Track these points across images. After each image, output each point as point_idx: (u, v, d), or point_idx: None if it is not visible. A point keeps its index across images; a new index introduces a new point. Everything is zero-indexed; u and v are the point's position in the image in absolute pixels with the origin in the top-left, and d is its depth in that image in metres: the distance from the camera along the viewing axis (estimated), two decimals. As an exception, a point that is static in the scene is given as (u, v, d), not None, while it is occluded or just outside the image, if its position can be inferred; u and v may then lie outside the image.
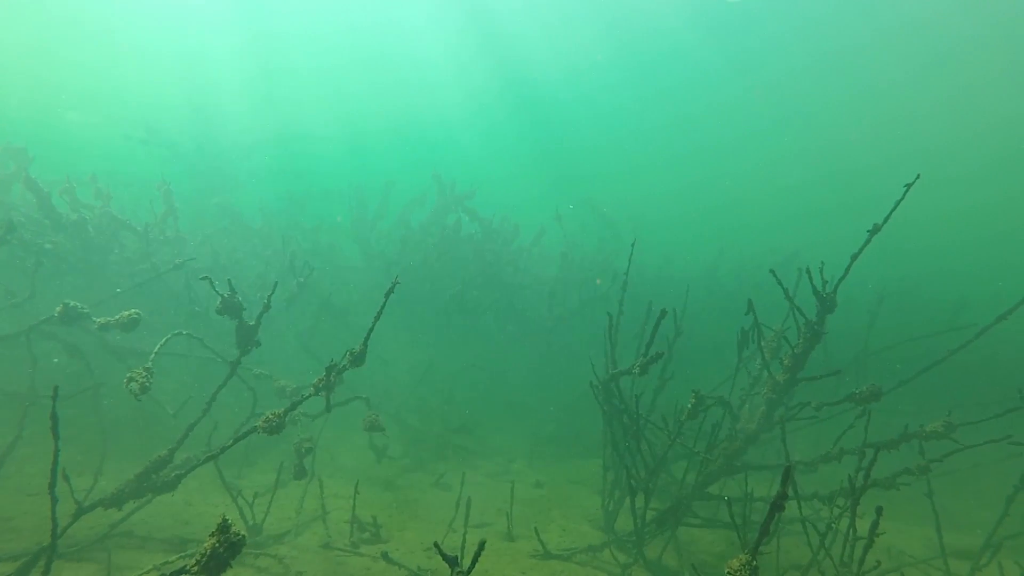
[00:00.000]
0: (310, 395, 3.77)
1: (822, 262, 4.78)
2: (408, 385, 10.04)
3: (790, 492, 4.63)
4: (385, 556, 4.66)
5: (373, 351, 10.93)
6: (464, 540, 4.65)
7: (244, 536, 2.31)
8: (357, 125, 40.15)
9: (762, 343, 5.39)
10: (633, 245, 6.21)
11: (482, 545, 2.33)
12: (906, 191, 4.15)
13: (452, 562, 2.32)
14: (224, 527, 2.24)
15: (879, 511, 2.99)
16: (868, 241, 4.38)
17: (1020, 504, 4.47)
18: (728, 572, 1.99)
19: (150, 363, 3.84)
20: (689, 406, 4.58)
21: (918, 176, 4.17)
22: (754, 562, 1.99)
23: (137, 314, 4.32)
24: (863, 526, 3.44)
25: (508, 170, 44.75)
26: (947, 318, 10.90)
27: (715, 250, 14.45)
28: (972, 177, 35.81)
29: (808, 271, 4.55)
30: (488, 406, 10.38)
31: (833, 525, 3.94)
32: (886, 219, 4.27)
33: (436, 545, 2.34)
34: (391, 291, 3.59)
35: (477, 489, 7.07)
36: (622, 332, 5.92)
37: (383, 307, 3.66)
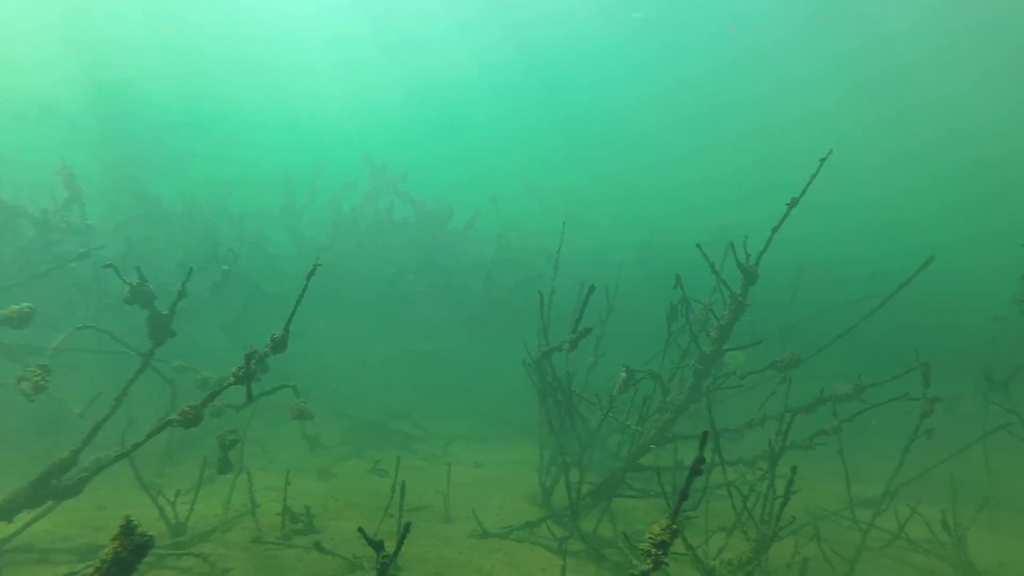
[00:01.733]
0: (229, 384, 3.60)
1: (746, 236, 4.93)
2: (343, 372, 9.84)
3: (718, 458, 4.80)
4: (318, 546, 4.55)
5: (306, 339, 10.62)
6: (399, 525, 4.60)
7: (152, 537, 2.17)
8: (295, 108, 38.66)
9: (690, 317, 5.53)
10: (564, 224, 6.24)
11: (407, 527, 2.29)
12: (820, 165, 4.31)
13: (377, 547, 2.27)
14: (128, 528, 2.10)
15: (794, 470, 3.12)
16: (786, 215, 4.54)
17: (914, 455, 4.79)
18: (649, 537, 2.02)
19: (47, 361, 3.57)
20: (620, 380, 4.66)
21: (831, 151, 4.33)
22: (674, 525, 2.03)
23: (29, 308, 3.99)
24: (782, 486, 3.59)
25: (445, 153, 44.31)
26: (862, 290, 11.53)
27: (649, 230, 14.80)
28: (887, 163, 37.91)
29: (732, 245, 4.68)
30: (427, 391, 10.31)
31: (755, 487, 4.11)
32: (802, 193, 4.43)
33: (360, 530, 2.28)
34: (312, 274, 3.46)
35: (416, 473, 7.02)
36: (558, 311, 5.96)
37: (304, 290, 3.53)
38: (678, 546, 4.28)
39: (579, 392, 5.37)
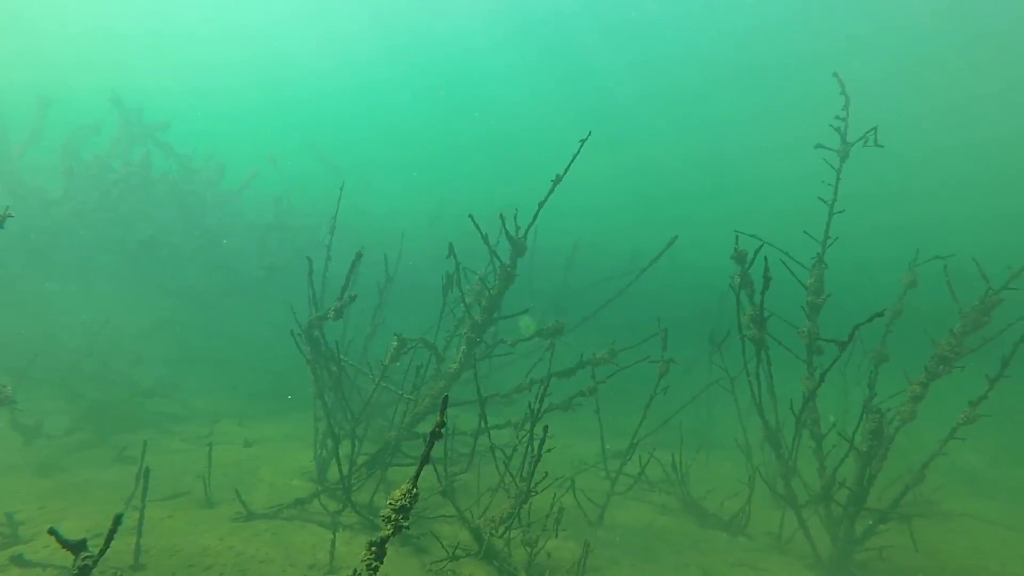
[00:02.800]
0: None
1: (516, 209, 5.15)
2: (81, 347, 8.44)
3: (487, 424, 5.03)
4: (18, 559, 3.82)
5: (28, 308, 8.89)
6: (141, 516, 4.09)
7: None
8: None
9: (466, 287, 5.68)
10: (342, 189, 5.97)
11: (117, 519, 2.00)
12: (581, 145, 4.64)
13: (76, 548, 1.95)
14: None
15: (545, 430, 3.38)
16: (551, 191, 4.84)
17: (655, 409, 5.52)
18: (390, 503, 2.01)
19: None
20: (391, 350, 4.62)
21: (589, 133, 4.68)
22: (414, 490, 2.04)
23: None
24: (548, 445, 3.87)
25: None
26: (625, 264, 12.93)
27: (439, 201, 14.88)
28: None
29: (502, 217, 4.86)
30: (190, 365, 9.30)
31: (518, 447, 4.38)
32: (566, 169, 4.75)
33: (52, 531, 1.94)
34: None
35: (176, 457, 6.32)
36: (336, 280, 5.72)
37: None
38: (448, 509, 4.43)
39: (351, 362, 5.23)
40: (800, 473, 5.36)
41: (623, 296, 10.16)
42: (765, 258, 4.63)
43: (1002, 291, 4.89)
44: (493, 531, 3.92)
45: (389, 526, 1.99)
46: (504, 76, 37.36)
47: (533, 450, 3.88)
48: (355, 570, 1.95)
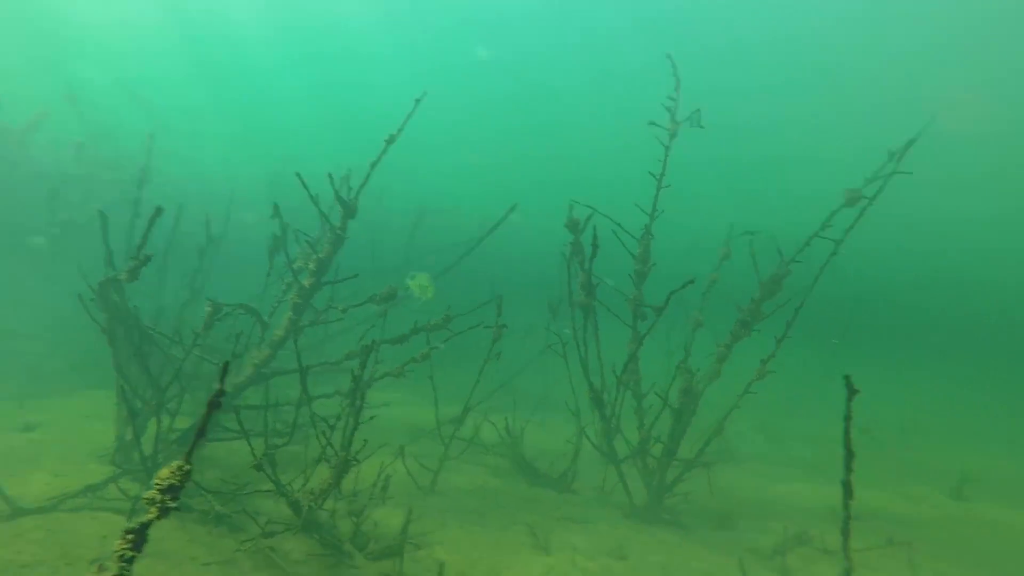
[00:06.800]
0: None
1: (348, 169, 4.89)
2: None
3: (308, 393, 4.78)
4: None
5: None
6: None
7: None
8: None
9: (297, 252, 5.32)
10: (151, 136, 5.29)
11: None
12: (415, 106, 4.47)
13: None
14: None
15: (363, 398, 3.26)
16: (384, 151, 4.63)
17: (496, 375, 5.61)
18: (156, 482, 1.78)
19: None
20: (205, 316, 4.20)
21: (424, 92, 4.51)
22: (187, 466, 1.83)
23: None
24: (382, 413, 3.73)
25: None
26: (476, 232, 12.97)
27: (280, 158, 13.87)
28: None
29: (331, 177, 4.57)
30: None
31: (342, 417, 4.20)
32: (399, 131, 4.56)
33: None
34: None
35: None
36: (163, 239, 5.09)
37: None
38: (267, 483, 4.15)
39: (159, 331, 4.71)
40: (623, 431, 5.73)
41: (472, 264, 10.17)
42: (595, 227, 4.81)
43: (791, 263, 5.53)
44: (312, 503, 3.74)
45: (154, 509, 1.77)
46: (360, 29, 35.44)
47: (354, 419, 3.73)
48: (100, 564, 1.70)
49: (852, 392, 2.94)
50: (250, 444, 3.57)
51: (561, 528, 5.00)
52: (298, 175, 4.50)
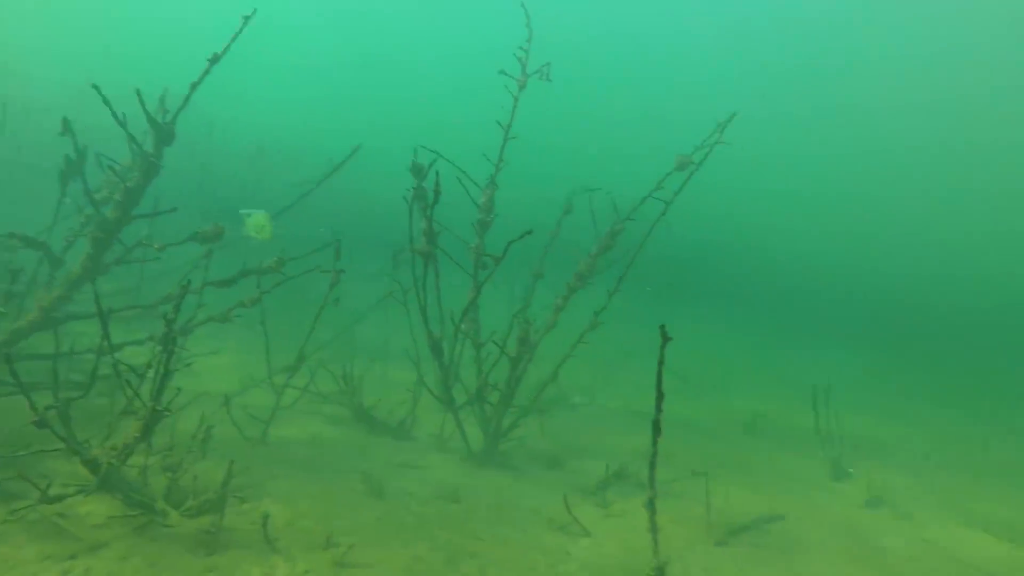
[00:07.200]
0: None
1: (165, 88, 4.30)
2: None
3: (110, 339, 4.27)
4: None
5: None
6: None
7: None
8: None
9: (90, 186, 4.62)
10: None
11: None
12: (244, 23, 4.02)
13: None
14: None
15: (173, 341, 2.95)
16: (207, 71, 4.13)
17: (335, 322, 5.40)
18: None
19: None
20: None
21: (255, 10, 4.06)
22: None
23: None
24: (206, 362, 3.40)
25: None
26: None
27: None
28: None
29: (139, 94, 3.98)
30: None
31: (150, 366, 3.80)
32: (225, 49, 4.08)
33: None
34: None
35: None
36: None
37: None
38: (57, 442, 3.67)
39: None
40: (462, 379, 5.82)
41: (318, 208, 9.58)
42: (437, 172, 4.71)
43: (625, 221, 5.86)
44: (114, 460, 3.37)
45: None
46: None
47: (165, 365, 3.39)
48: None
49: (665, 339, 3.19)
50: (28, 397, 3.10)
51: (397, 475, 5.01)
52: (96, 87, 3.87)
